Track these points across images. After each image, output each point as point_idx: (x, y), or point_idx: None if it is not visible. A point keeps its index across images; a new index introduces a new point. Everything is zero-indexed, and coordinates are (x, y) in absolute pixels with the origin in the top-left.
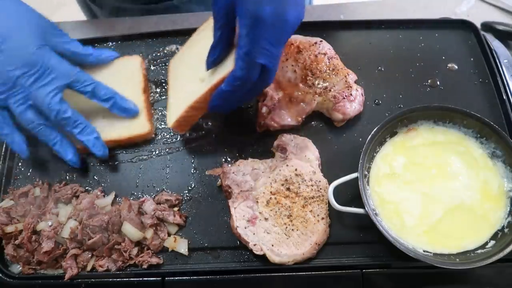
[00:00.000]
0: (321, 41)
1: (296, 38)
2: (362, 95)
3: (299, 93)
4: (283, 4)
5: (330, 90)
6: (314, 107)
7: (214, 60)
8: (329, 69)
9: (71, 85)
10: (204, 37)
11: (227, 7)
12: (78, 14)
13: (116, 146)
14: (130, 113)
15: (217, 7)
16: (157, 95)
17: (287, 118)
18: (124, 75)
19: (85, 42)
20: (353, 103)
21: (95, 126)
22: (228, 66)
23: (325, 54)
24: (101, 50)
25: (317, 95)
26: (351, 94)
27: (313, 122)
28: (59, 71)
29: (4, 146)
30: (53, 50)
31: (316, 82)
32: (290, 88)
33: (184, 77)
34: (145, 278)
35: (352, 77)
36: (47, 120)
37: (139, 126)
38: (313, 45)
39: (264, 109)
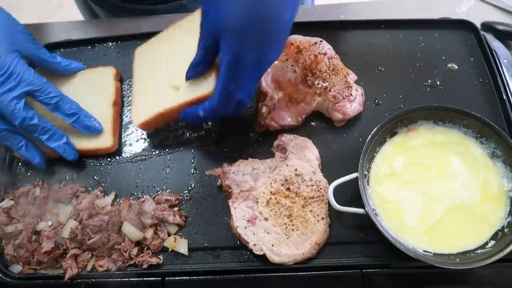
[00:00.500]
0: (321, 41)
1: (296, 38)
2: (362, 95)
3: (299, 93)
4: (266, 48)
5: (330, 90)
6: (314, 107)
7: (193, 76)
8: (329, 69)
9: (35, 94)
10: (181, 36)
11: (214, 33)
12: (78, 14)
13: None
14: (93, 131)
15: (205, 28)
16: None
17: (287, 118)
18: (96, 86)
19: (85, 42)
20: (353, 103)
21: (69, 131)
22: (207, 85)
23: (325, 54)
24: (70, 61)
25: (317, 95)
26: (351, 94)
27: (313, 122)
28: (25, 78)
29: (4, 146)
30: (21, 56)
31: (316, 82)
32: (290, 88)
33: (154, 75)
34: (145, 278)
35: (352, 77)
36: (11, 125)
37: (101, 140)
38: (313, 45)
39: (264, 109)
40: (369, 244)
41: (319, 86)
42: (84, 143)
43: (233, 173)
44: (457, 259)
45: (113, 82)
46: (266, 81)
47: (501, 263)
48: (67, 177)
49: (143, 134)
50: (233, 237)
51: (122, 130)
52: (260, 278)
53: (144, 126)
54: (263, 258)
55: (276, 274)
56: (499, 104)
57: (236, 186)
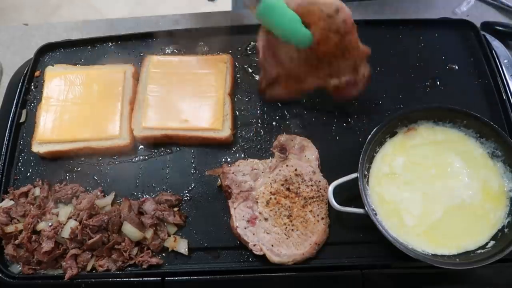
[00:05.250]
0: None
1: None
2: (368, 75)
3: (301, 73)
4: None
5: (335, 76)
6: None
7: None
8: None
9: None
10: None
11: None
12: (78, 14)
13: (95, 153)
14: None
15: None
16: None
17: (284, 95)
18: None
19: (85, 42)
20: (357, 85)
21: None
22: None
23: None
24: None
25: (319, 79)
26: (356, 80)
27: (313, 123)
28: None
29: (3, 146)
30: None
31: (322, 65)
32: (292, 67)
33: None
34: (145, 278)
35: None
36: None
37: (120, 138)
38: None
39: (263, 84)
40: (369, 244)
41: (324, 69)
42: (102, 142)
43: (233, 173)
44: (457, 259)
45: (132, 80)
46: (266, 58)
47: (501, 263)
48: (67, 177)
49: None
50: (233, 237)
51: None
52: (260, 278)
53: (143, 139)
54: (263, 258)
55: (276, 274)
56: (499, 104)
57: (236, 186)
